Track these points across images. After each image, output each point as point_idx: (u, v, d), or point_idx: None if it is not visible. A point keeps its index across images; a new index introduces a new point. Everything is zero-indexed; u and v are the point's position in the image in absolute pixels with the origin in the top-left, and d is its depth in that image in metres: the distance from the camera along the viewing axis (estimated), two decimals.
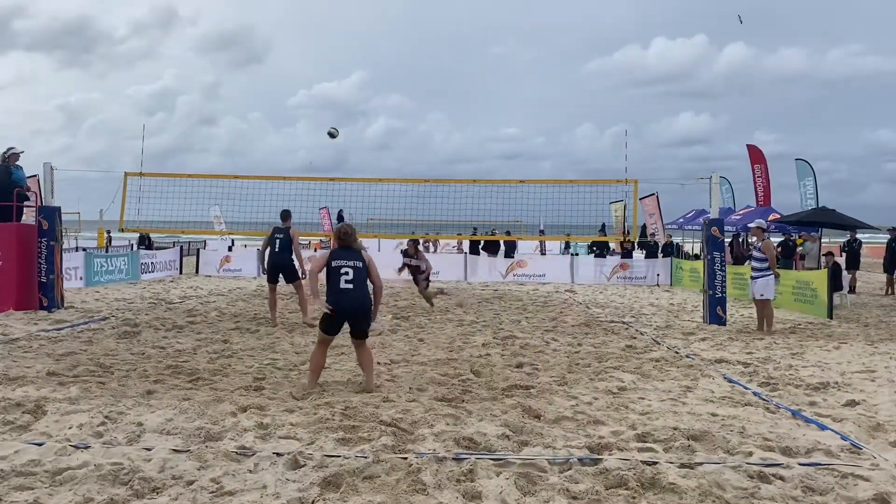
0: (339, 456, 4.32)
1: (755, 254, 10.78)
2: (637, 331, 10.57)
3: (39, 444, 4.41)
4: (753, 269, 10.69)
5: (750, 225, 11.49)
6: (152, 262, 20.82)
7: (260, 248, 11.06)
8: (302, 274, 10.65)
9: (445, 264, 21.77)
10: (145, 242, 23.99)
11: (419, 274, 13.00)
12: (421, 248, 13.83)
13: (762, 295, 10.38)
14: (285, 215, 10.86)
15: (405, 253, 13.36)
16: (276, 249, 10.55)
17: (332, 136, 13.51)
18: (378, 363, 7.36)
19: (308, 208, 15.07)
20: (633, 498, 3.81)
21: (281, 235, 10.55)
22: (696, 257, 24.42)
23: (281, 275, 10.65)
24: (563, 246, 31.40)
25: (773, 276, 10.40)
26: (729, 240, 19.82)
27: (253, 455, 4.33)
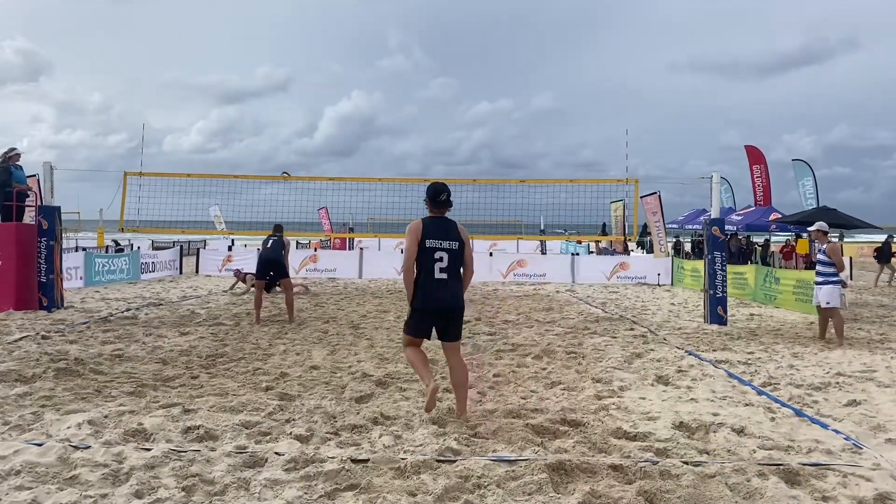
0: (339, 457, 4.31)
1: (820, 257, 9.74)
2: (638, 330, 10.55)
3: (39, 445, 4.40)
4: (818, 273, 9.70)
5: (810, 228, 10.22)
6: (152, 262, 20.82)
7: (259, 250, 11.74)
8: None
9: None
10: (116, 245, 24.25)
11: None
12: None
13: (828, 303, 9.46)
14: (278, 229, 11.51)
15: None
16: (268, 246, 11.16)
17: (284, 176, 13.98)
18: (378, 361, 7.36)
19: (308, 208, 15.10)
20: (635, 497, 3.80)
21: (275, 237, 11.24)
22: (691, 255, 24.45)
23: (272, 273, 11.16)
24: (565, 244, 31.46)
25: (840, 282, 9.53)
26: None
27: (252, 455, 4.33)
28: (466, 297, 5.40)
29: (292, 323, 10.79)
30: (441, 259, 4.98)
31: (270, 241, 11.26)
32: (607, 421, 5.31)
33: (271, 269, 11.08)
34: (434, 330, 5.19)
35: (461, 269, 5.16)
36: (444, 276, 4.99)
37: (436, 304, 5.02)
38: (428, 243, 4.99)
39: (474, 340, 9.27)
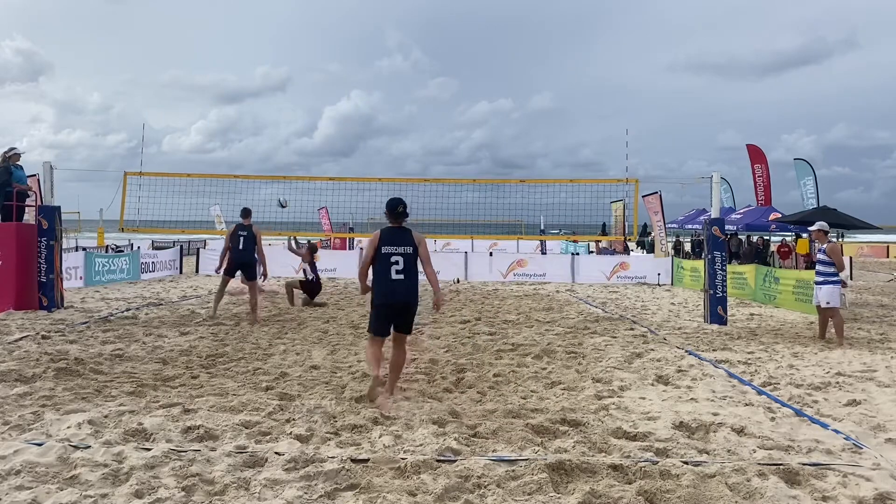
0: (339, 456, 4.31)
1: (820, 257, 9.72)
2: (638, 330, 10.55)
3: (39, 445, 4.40)
4: (818, 273, 9.68)
5: (811, 228, 10.27)
6: (152, 262, 20.83)
7: (223, 249, 11.16)
8: (262, 273, 11.14)
9: (448, 263, 21.81)
10: (114, 248, 24.27)
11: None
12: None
13: (828, 303, 9.45)
14: (246, 213, 11.03)
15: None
16: (241, 247, 10.74)
17: (282, 205, 13.84)
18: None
19: (307, 208, 15.11)
20: (635, 497, 3.80)
21: (245, 233, 10.77)
22: (691, 255, 24.46)
23: (240, 272, 10.89)
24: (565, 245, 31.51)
25: (840, 282, 9.52)
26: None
27: (252, 455, 4.33)
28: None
29: (255, 325, 10.33)
30: (397, 262, 5.75)
31: (242, 241, 10.70)
32: (607, 421, 5.31)
33: (243, 270, 10.79)
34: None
35: (417, 269, 5.84)
36: (401, 276, 5.75)
37: (394, 300, 5.77)
38: (384, 249, 5.78)
39: (474, 340, 9.27)
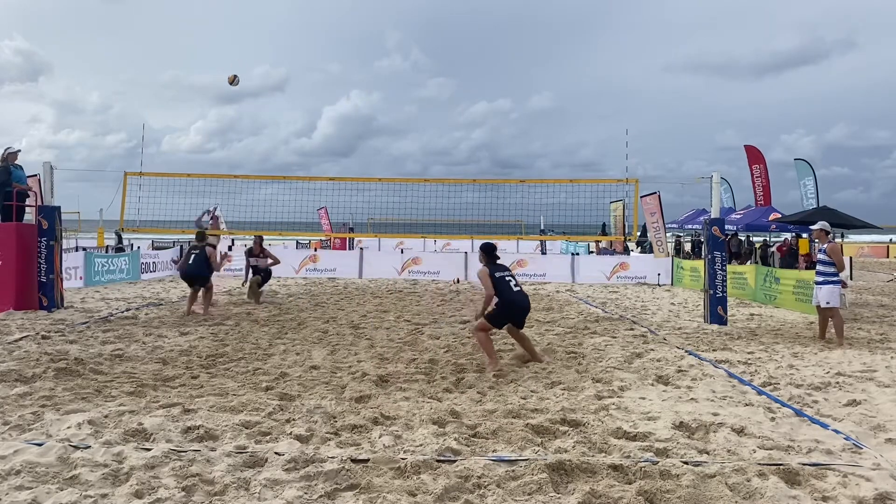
0: (339, 457, 4.31)
1: (820, 257, 9.70)
2: (638, 330, 10.54)
3: (39, 445, 4.40)
4: (818, 273, 9.65)
5: (813, 227, 10.26)
6: (152, 262, 20.83)
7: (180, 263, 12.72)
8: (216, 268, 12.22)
9: (448, 263, 21.82)
10: (120, 242, 24.26)
11: (259, 272, 14.11)
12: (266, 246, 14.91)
13: (828, 303, 9.41)
14: (200, 237, 12.25)
15: (250, 252, 14.27)
16: (190, 262, 11.89)
17: (233, 81, 13.90)
18: (381, 359, 7.36)
19: (307, 208, 15.11)
20: (635, 497, 3.80)
21: (196, 252, 11.92)
22: (691, 255, 24.46)
23: (195, 282, 12.03)
24: (565, 245, 31.50)
25: (840, 282, 9.49)
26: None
27: (252, 455, 4.33)
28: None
29: (205, 316, 11.34)
30: (511, 280, 7.60)
31: (192, 257, 11.79)
32: (607, 421, 5.31)
33: (195, 281, 11.83)
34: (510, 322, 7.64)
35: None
36: (518, 288, 7.61)
37: (522, 305, 7.61)
38: (498, 275, 7.55)
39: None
